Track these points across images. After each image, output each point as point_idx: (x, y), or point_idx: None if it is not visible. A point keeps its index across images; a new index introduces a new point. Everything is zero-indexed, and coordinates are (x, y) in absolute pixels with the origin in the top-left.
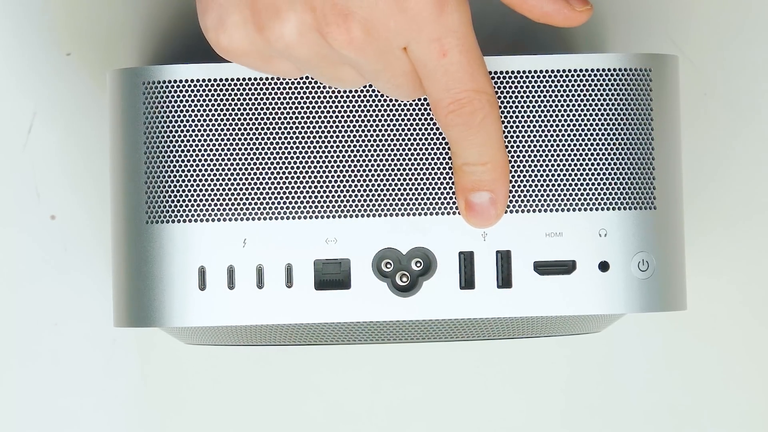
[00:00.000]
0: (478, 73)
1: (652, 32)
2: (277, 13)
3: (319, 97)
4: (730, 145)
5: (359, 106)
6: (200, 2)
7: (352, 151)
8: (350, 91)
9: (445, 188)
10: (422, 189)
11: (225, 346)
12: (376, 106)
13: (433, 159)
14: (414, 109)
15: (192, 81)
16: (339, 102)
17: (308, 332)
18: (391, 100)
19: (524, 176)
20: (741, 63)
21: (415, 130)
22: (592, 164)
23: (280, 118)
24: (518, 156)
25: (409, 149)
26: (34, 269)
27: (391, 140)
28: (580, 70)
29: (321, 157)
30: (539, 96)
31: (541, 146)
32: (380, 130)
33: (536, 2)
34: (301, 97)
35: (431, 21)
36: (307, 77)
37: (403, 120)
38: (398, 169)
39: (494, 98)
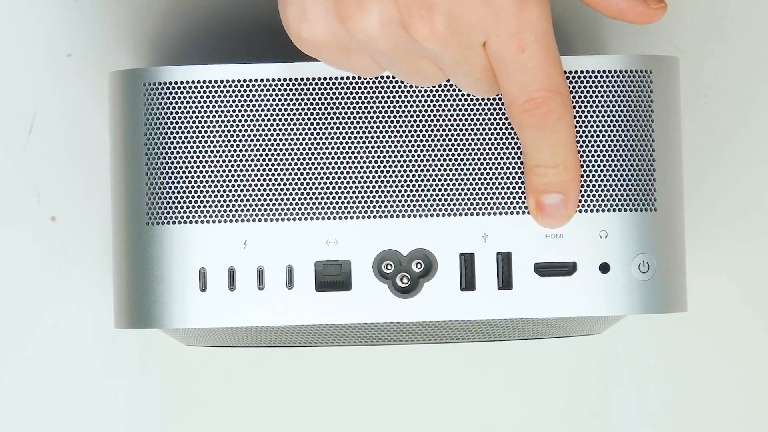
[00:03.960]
0: (555, 72)
1: (653, 34)
2: (360, 4)
3: (319, 99)
4: (730, 145)
5: (359, 107)
6: None
7: (352, 152)
8: (350, 93)
9: (445, 189)
10: (423, 190)
11: (225, 347)
12: (377, 107)
13: (433, 160)
14: (414, 110)
15: (193, 82)
16: (339, 103)
17: (309, 334)
18: (390, 102)
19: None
20: (741, 64)
21: (415, 131)
22: (593, 165)
23: (280, 120)
24: (518, 157)
25: (410, 150)
26: (34, 270)
27: (392, 141)
28: (581, 72)
29: (321, 158)
30: None
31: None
32: (380, 132)
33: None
34: (302, 100)
35: (512, 15)
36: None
37: (403, 121)
38: (399, 171)
39: (569, 99)
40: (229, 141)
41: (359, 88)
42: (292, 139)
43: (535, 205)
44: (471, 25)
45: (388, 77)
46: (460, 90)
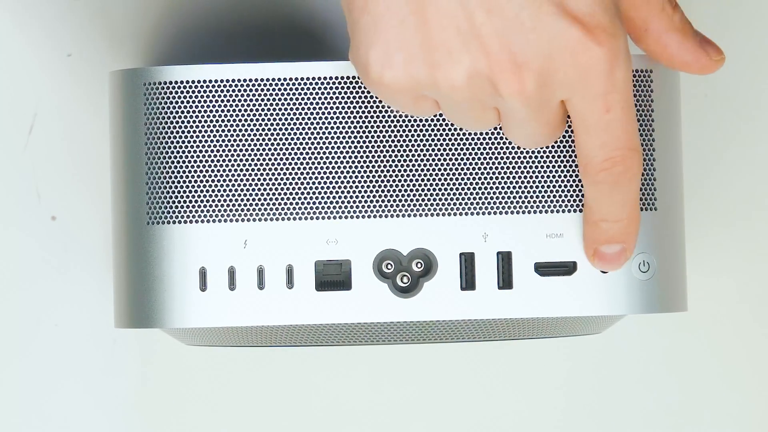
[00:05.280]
0: (634, 131)
1: None
2: (449, 54)
3: (319, 99)
4: (730, 145)
5: (359, 106)
6: (360, 34)
7: (352, 152)
8: (350, 93)
9: (445, 189)
10: (423, 190)
11: (226, 347)
12: (377, 106)
13: (433, 159)
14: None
15: (193, 82)
16: (339, 103)
17: (309, 333)
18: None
19: (525, 177)
20: (741, 63)
21: (416, 130)
22: None
23: (280, 120)
24: (519, 157)
25: (410, 150)
26: (35, 269)
27: (392, 141)
28: None
29: (322, 158)
30: None
31: (542, 147)
32: (380, 131)
33: (677, 53)
34: (302, 99)
35: (602, 76)
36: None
37: (403, 121)
38: (399, 170)
39: (642, 156)
40: (229, 140)
41: (359, 87)
42: (292, 139)
43: (594, 253)
44: (558, 84)
45: None
46: None
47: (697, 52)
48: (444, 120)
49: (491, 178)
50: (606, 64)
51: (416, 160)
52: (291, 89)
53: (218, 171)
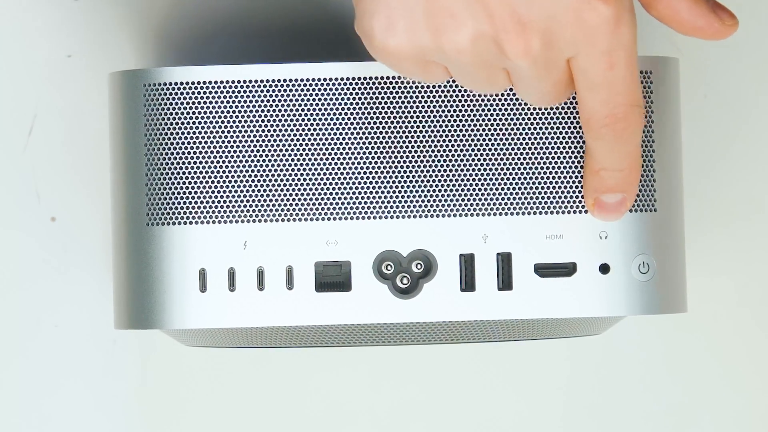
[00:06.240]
0: (636, 87)
1: (653, 34)
2: (453, 18)
3: (320, 100)
4: (730, 145)
5: (360, 108)
6: (364, 3)
7: (352, 153)
8: (351, 94)
9: (445, 190)
10: (423, 191)
11: (225, 348)
12: (377, 108)
13: (433, 161)
14: (415, 111)
15: (193, 83)
16: (339, 105)
17: (309, 334)
18: (390, 102)
19: (525, 179)
20: (741, 64)
21: (416, 132)
22: None
23: (280, 121)
24: (519, 158)
25: (410, 151)
26: (34, 270)
27: (392, 142)
28: None
29: (322, 159)
30: None
31: (542, 148)
32: (381, 133)
33: (689, 17)
34: (302, 101)
35: (607, 34)
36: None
37: (403, 122)
38: (399, 172)
39: (644, 111)
40: (229, 142)
41: (359, 89)
42: (292, 140)
43: (594, 202)
44: (563, 42)
45: (390, 78)
46: (460, 91)
47: (708, 17)
48: (444, 121)
49: (491, 180)
50: (611, 22)
51: (416, 162)
52: (291, 90)
53: (218, 172)
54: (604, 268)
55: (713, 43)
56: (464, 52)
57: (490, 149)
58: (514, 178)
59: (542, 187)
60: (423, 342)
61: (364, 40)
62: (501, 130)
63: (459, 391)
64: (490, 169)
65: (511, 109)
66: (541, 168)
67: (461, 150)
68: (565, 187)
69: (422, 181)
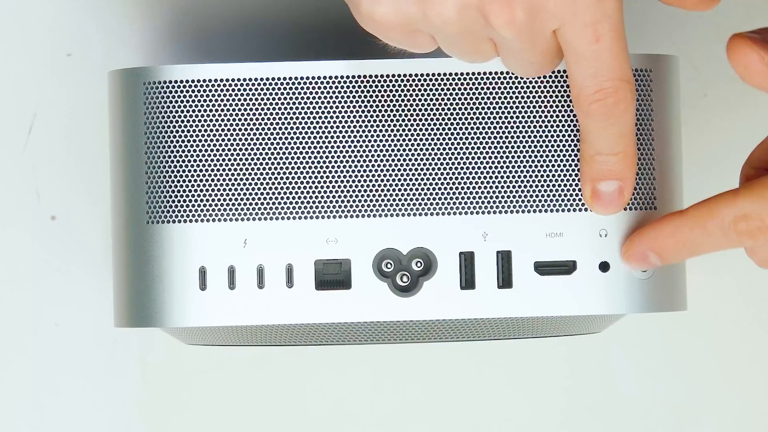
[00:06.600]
0: (625, 62)
1: (653, 33)
2: None
3: (319, 98)
4: (730, 145)
5: (359, 105)
6: None
7: (352, 151)
8: (351, 92)
9: (445, 188)
10: (423, 189)
11: (225, 346)
12: (376, 105)
13: (433, 159)
14: (414, 108)
15: (192, 81)
16: (338, 102)
17: (309, 332)
18: (390, 100)
19: (525, 176)
20: None
21: (415, 129)
22: None
23: (280, 119)
24: (518, 156)
25: (410, 149)
26: (34, 269)
27: (392, 140)
28: None
29: (322, 157)
30: (540, 96)
31: (541, 146)
32: (380, 130)
33: None
34: (301, 98)
35: (590, 5)
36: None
37: (403, 120)
38: (399, 170)
39: (634, 88)
40: (228, 140)
41: (359, 87)
42: (292, 138)
43: (591, 192)
44: (548, 13)
45: (390, 76)
46: (460, 89)
47: None
48: (444, 118)
49: (491, 177)
50: None
51: (416, 160)
52: (291, 88)
53: (218, 170)
54: (604, 266)
55: (713, 42)
56: (450, 23)
57: (489, 147)
58: (514, 177)
59: (542, 185)
60: (423, 340)
61: (352, 8)
62: (501, 128)
63: (458, 389)
64: (490, 167)
65: (512, 109)
66: (541, 166)
67: (461, 148)
68: (565, 185)
69: (422, 180)
